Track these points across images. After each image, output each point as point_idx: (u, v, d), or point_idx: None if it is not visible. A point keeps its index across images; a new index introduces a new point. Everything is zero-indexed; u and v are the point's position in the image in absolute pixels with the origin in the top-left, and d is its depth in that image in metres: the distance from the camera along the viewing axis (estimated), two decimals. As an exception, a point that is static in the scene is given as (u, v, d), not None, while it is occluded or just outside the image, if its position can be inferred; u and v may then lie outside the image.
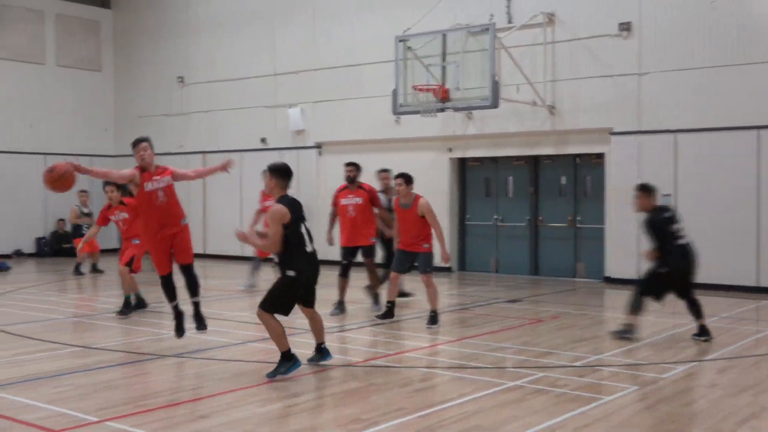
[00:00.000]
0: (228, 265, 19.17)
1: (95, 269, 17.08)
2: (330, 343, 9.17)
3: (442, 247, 10.25)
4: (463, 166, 17.42)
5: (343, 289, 11.30)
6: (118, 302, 11.90)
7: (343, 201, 11.38)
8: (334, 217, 11.71)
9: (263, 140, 19.95)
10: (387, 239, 11.92)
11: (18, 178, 20.98)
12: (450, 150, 17.08)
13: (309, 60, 18.98)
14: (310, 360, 7.75)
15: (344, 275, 11.26)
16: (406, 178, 10.37)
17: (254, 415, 6.09)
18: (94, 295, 14.10)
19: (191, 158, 21.32)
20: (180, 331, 8.72)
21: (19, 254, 20.84)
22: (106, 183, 11.23)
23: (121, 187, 10.81)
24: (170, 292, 8.70)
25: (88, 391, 6.83)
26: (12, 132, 21.06)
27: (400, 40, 15.02)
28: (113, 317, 11.04)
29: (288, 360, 7.25)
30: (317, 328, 7.73)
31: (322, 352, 7.77)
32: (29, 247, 21.21)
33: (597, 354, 8.48)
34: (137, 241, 11.07)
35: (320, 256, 7.56)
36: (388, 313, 10.58)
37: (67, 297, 13.72)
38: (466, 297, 13.08)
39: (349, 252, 11.28)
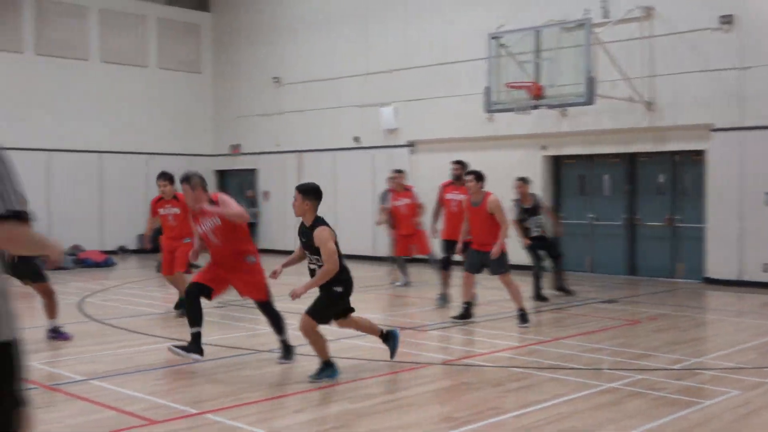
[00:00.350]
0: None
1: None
2: (423, 341, 9.19)
3: (500, 244, 10.04)
4: (557, 164, 17.18)
5: (445, 281, 11.58)
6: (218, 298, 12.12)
7: (448, 196, 11.88)
8: (438, 210, 12.26)
9: (356, 139, 20.13)
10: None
11: (123, 177, 21.76)
12: (543, 148, 16.87)
13: (402, 58, 19.06)
14: (390, 346, 7.71)
15: (446, 268, 11.58)
16: (477, 175, 10.20)
17: (347, 410, 6.16)
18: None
19: (287, 157, 21.72)
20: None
21: (123, 251, 21.61)
22: (159, 176, 10.70)
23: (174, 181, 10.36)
24: (191, 315, 7.76)
25: (187, 384, 7.05)
26: (117, 133, 21.85)
27: (493, 38, 14.92)
28: (211, 312, 11.33)
29: (330, 366, 7.18)
30: (366, 324, 7.70)
31: (388, 337, 7.75)
32: (133, 243, 21.96)
33: (697, 357, 8.24)
34: (188, 240, 10.22)
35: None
36: (465, 314, 10.42)
37: (168, 292, 14.11)
38: (560, 296, 12.89)
39: (449, 245, 11.49)
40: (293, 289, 6.99)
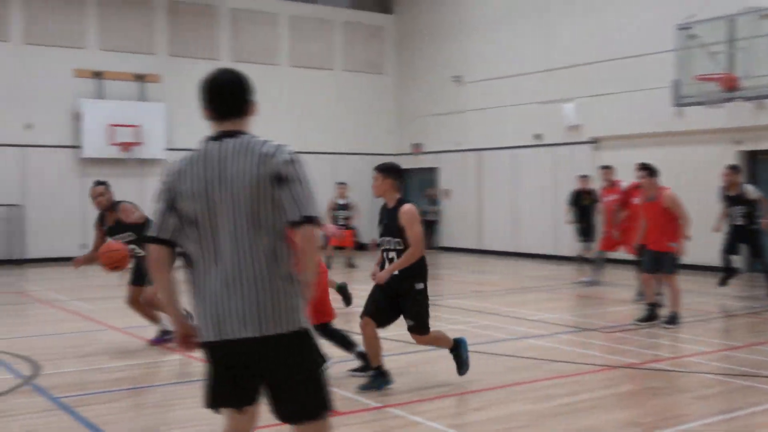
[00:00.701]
0: (501, 261, 19.36)
1: (350, 264, 17.76)
2: (607, 342, 8.97)
3: (680, 240, 9.64)
4: (753, 160, 16.18)
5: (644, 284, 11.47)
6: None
7: (636, 200, 11.57)
8: (617, 211, 12.41)
9: (537, 136, 19.89)
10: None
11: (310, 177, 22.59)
12: (738, 142, 15.93)
13: (584, 53, 18.62)
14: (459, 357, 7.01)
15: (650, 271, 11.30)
16: (650, 170, 9.86)
17: (526, 411, 6.13)
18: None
19: (468, 155, 21.80)
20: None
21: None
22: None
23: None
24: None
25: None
26: (305, 134, 22.74)
27: (681, 28, 14.28)
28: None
29: (384, 375, 6.80)
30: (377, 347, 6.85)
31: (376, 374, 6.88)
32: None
33: None
34: None
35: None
36: (650, 316, 10.00)
37: (351, 287, 14.49)
38: (756, 300, 12.16)
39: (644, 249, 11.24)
40: (377, 274, 6.65)
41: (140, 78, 20.42)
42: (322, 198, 21.19)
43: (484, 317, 10.67)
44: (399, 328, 9.83)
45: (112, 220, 8.82)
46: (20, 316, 11.83)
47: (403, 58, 24.19)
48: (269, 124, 21.93)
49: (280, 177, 3.23)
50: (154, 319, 8.96)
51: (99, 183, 8.97)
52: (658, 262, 9.86)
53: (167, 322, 8.38)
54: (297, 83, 22.63)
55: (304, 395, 3.31)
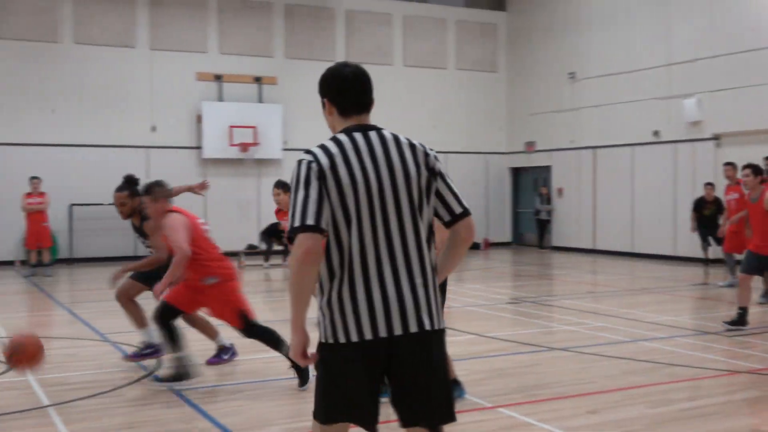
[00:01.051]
0: (616, 262, 18.93)
1: None
2: (727, 347, 8.64)
3: None
4: None
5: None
6: (508, 293, 12.30)
7: None
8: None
9: (656, 133, 19.32)
10: None
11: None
12: None
13: (706, 47, 17.95)
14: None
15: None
16: (754, 169, 9.54)
17: (643, 415, 5.98)
18: (489, 286, 14.74)
19: (582, 153, 21.40)
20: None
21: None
22: (275, 184, 9.76)
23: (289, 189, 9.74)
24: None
25: (482, 376, 7.24)
26: (417, 133, 22.85)
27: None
28: (505, 308, 11.50)
29: (457, 384, 6.53)
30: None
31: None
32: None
33: None
34: None
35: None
36: (739, 320, 9.49)
37: (462, 286, 14.51)
38: None
39: None
40: None
41: (258, 80, 20.99)
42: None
43: (599, 318, 10.47)
44: (513, 327, 9.77)
45: (138, 222, 7.72)
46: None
47: (516, 56, 23.96)
48: (383, 124, 22.22)
49: (435, 171, 3.25)
50: (142, 324, 7.75)
51: (120, 189, 7.65)
52: (764, 265, 9.59)
53: (151, 333, 7.58)
54: (410, 82, 22.75)
55: (448, 395, 3.23)
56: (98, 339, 9.22)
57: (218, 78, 20.65)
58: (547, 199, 22.40)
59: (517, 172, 24.22)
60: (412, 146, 3.25)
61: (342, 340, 3.11)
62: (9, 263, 18.26)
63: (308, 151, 3.16)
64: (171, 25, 20.22)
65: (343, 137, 3.20)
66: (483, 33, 23.91)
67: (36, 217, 16.58)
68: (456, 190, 3.30)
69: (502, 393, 6.63)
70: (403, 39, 22.81)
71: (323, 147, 3.17)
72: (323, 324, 3.17)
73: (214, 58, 20.70)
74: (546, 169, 22.91)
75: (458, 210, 3.29)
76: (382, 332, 3.08)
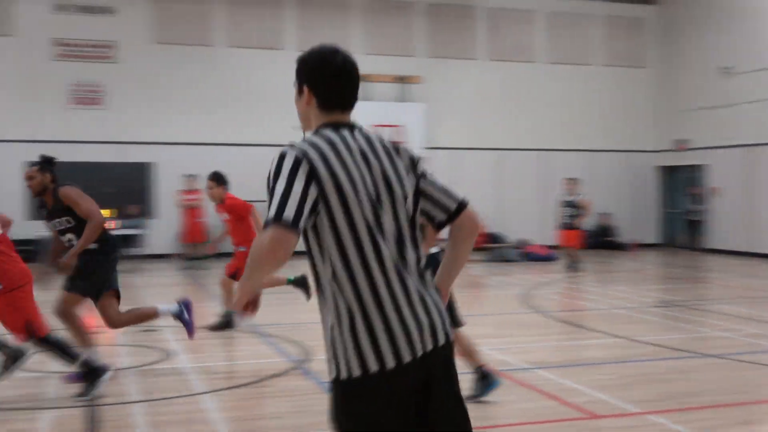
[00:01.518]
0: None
1: (571, 267, 16.08)
2: None
3: None
4: None
5: None
6: (657, 296, 11.88)
7: None
8: None
9: (820, 130, 18.16)
10: None
11: (566, 174, 22.23)
12: None
13: None
14: None
15: None
16: None
17: (805, 428, 5.66)
18: (636, 288, 14.28)
19: (736, 151, 20.39)
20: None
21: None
22: (208, 176, 9.63)
23: (224, 182, 9.51)
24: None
25: (630, 381, 7.03)
26: (559, 131, 22.42)
27: None
28: (653, 311, 11.12)
29: (488, 375, 6.28)
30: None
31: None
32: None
33: None
34: (243, 249, 9.46)
35: None
36: None
37: (608, 288, 14.13)
38: None
39: None
40: None
41: (401, 79, 21.19)
42: (552, 195, 20.48)
43: (755, 325, 9.96)
44: (662, 332, 9.45)
45: (50, 203, 6.86)
46: (292, 303, 12.72)
47: (665, 51, 23.07)
48: (524, 122, 21.99)
49: (420, 173, 2.86)
50: (86, 342, 6.82)
51: (34, 163, 6.91)
52: None
53: (95, 352, 6.79)
54: (554, 80, 22.35)
55: (465, 408, 2.79)
56: (250, 332, 9.58)
57: (363, 78, 20.95)
58: (699, 200, 21.47)
59: (665, 171, 23.31)
60: (397, 148, 2.85)
61: (374, 368, 2.59)
62: (167, 256, 19.24)
63: (295, 145, 2.68)
64: (319, 27, 20.72)
65: (332, 135, 2.74)
66: (630, 28, 23.18)
67: (191, 212, 17.42)
68: (443, 185, 2.91)
69: (651, 399, 6.42)
70: (547, 36, 22.41)
71: (314, 145, 2.68)
72: (344, 356, 2.63)
73: (359, 59, 20.54)
74: (699, 168, 21.92)
75: (453, 206, 2.88)
76: (410, 353, 2.61)
